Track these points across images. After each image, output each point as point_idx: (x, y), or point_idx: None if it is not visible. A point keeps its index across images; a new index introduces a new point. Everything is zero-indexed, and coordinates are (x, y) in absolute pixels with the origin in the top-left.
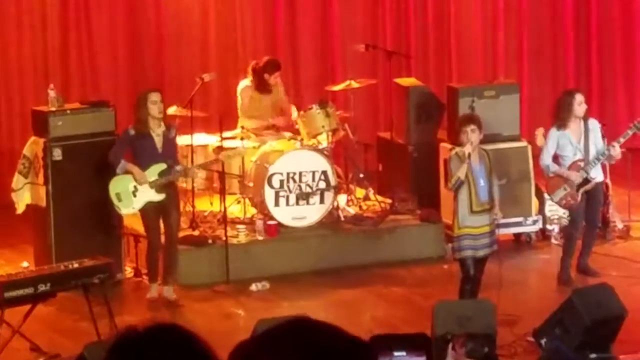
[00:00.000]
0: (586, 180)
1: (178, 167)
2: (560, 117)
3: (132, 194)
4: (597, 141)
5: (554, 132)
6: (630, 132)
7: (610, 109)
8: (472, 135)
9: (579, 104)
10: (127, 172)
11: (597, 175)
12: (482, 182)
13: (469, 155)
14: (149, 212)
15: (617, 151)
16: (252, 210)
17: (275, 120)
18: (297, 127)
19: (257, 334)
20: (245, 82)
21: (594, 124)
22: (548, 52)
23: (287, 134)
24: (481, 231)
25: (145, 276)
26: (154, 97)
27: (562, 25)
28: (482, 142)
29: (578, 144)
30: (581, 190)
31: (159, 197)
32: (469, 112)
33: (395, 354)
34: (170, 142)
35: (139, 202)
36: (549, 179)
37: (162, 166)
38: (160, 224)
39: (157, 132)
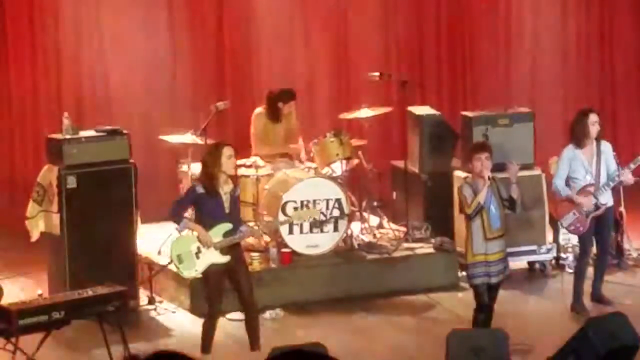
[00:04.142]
0: (596, 207)
1: (243, 228)
2: (575, 136)
3: (195, 255)
4: (609, 163)
5: (568, 153)
6: (639, 160)
7: (623, 133)
8: (486, 162)
9: (592, 123)
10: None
11: (607, 200)
12: (493, 209)
13: (489, 178)
14: (212, 275)
15: (628, 176)
16: (266, 238)
17: (289, 149)
18: (311, 155)
19: None
20: (259, 110)
21: (606, 146)
22: (561, 79)
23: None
24: (495, 258)
25: (158, 303)
26: (229, 151)
27: (576, 52)
28: (496, 169)
29: (589, 166)
30: (590, 216)
31: (223, 259)
32: (481, 140)
33: None
34: (235, 201)
35: (202, 264)
36: (559, 203)
37: (228, 226)
38: (223, 289)
39: (225, 190)
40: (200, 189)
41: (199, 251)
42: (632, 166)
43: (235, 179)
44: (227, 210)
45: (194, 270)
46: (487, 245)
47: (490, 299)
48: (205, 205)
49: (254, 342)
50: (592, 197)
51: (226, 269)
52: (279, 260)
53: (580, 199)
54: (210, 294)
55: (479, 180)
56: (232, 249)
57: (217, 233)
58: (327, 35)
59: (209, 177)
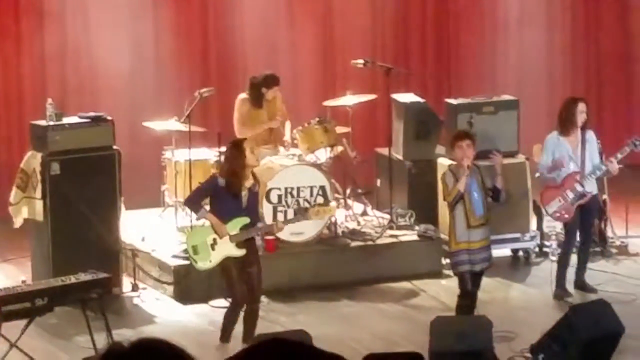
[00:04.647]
0: (581, 195)
1: (260, 224)
2: (561, 122)
3: (211, 247)
4: (592, 154)
5: (552, 139)
6: (627, 149)
7: (608, 123)
8: (467, 150)
9: (580, 112)
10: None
11: (592, 189)
12: (476, 196)
13: (468, 167)
14: (230, 267)
15: (615, 167)
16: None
17: (271, 123)
18: (295, 142)
19: (237, 352)
20: (243, 95)
21: (591, 135)
22: (547, 67)
23: (284, 150)
24: (478, 245)
25: (142, 290)
26: (250, 144)
27: (560, 40)
28: (480, 157)
29: (574, 154)
30: (576, 204)
31: (239, 252)
32: (463, 128)
33: None
34: (254, 196)
35: (217, 257)
36: (544, 190)
37: (245, 220)
38: (242, 278)
39: (245, 185)
40: (221, 182)
41: (214, 243)
42: (619, 156)
43: (255, 174)
44: (244, 206)
45: (208, 261)
46: (470, 233)
47: (473, 286)
48: (223, 200)
49: (248, 334)
50: (577, 185)
51: (241, 260)
52: (264, 247)
53: (564, 188)
54: (231, 285)
55: (461, 168)
56: (247, 241)
57: (235, 226)
58: (313, 22)
59: (234, 175)
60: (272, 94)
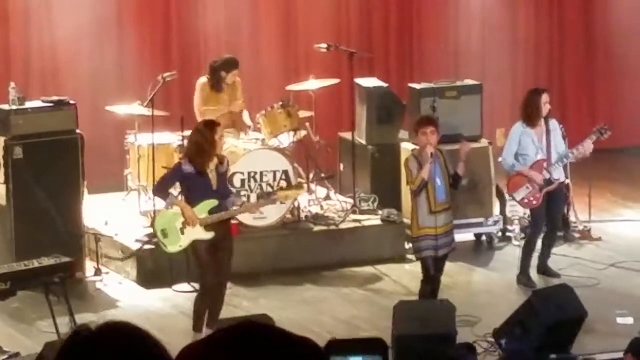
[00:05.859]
0: (549, 182)
1: (230, 203)
2: (528, 115)
3: (180, 230)
4: (557, 142)
5: (518, 129)
6: (594, 137)
7: (571, 109)
8: (431, 137)
9: (544, 103)
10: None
11: (559, 176)
12: (438, 182)
13: (432, 155)
14: (201, 250)
15: (590, 147)
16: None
17: (232, 106)
18: (258, 126)
19: (206, 336)
20: (203, 80)
21: (555, 125)
22: (510, 52)
23: (247, 136)
24: (441, 231)
25: (105, 274)
26: (220, 132)
27: (524, 26)
28: (443, 142)
29: (540, 143)
30: (544, 191)
31: (207, 235)
32: (426, 114)
33: (351, 359)
34: (222, 176)
35: (186, 240)
36: (511, 178)
37: (213, 203)
38: (214, 260)
39: (211, 167)
40: (188, 168)
41: (184, 227)
42: (594, 137)
43: (221, 156)
44: (214, 188)
45: (178, 245)
46: (432, 219)
47: (437, 270)
48: (193, 184)
49: (211, 318)
50: (544, 172)
51: (212, 244)
52: None
53: (532, 173)
54: (202, 269)
55: (425, 155)
56: (220, 226)
57: (203, 210)
58: (276, 6)
59: (202, 155)
60: (232, 78)
